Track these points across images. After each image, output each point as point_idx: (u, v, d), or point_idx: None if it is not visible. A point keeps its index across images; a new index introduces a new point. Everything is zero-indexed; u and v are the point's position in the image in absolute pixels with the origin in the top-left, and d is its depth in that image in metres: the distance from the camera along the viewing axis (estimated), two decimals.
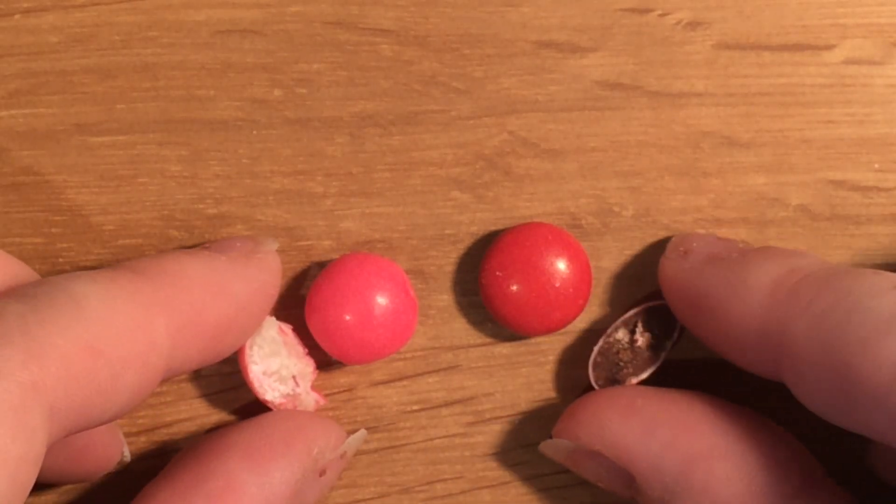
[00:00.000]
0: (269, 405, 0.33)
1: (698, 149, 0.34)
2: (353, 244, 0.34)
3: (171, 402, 0.34)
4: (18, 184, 0.34)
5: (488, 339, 0.34)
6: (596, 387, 0.33)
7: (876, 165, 0.34)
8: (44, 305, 0.26)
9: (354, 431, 0.33)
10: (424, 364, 0.34)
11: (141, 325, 0.27)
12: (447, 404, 0.34)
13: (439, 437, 0.34)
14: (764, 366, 0.30)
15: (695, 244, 0.33)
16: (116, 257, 0.34)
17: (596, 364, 0.33)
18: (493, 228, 0.34)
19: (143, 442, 0.34)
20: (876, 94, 0.34)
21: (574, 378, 0.34)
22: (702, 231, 0.34)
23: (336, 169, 0.34)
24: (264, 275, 0.31)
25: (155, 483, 0.31)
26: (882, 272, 0.29)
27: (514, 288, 0.33)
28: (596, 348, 0.33)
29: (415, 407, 0.34)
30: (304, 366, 0.33)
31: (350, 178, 0.34)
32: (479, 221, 0.34)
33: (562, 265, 0.33)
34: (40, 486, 0.34)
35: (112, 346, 0.26)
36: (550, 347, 0.34)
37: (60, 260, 0.34)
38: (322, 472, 0.32)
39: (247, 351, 0.32)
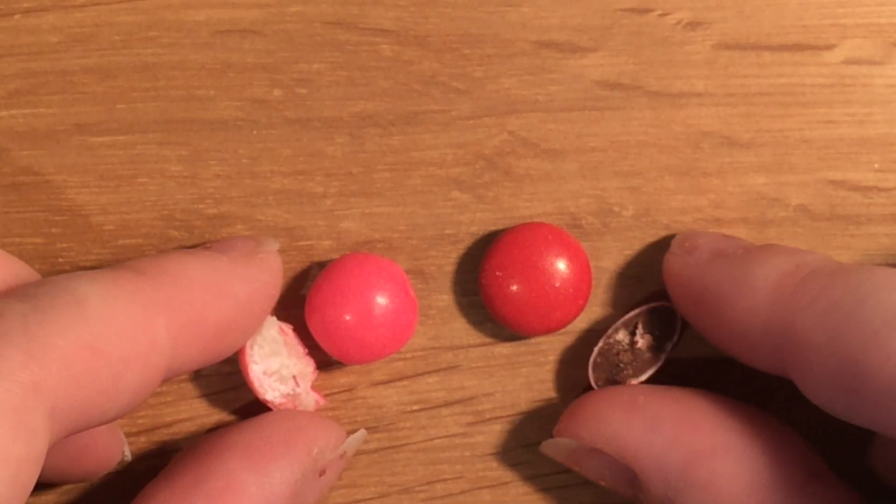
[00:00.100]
0: (270, 405, 0.33)
1: (698, 149, 0.34)
2: (353, 244, 0.34)
3: (171, 402, 0.34)
4: (18, 184, 0.34)
5: (488, 339, 0.34)
6: (596, 388, 0.33)
7: (876, 165, 0.34)
8: (45, 305, 0.26)
9: (354, 431, 0.33)
10: (424, 364, 0.34)
11: (142, 326, 0.27)
12: (447, 404, 0.34)
13: (439, 437, 0.34)
14: (769, 361, 0.30)
15: (700, 241, 0.33)
16: (116, 257, 0.34)
17: (596, 365, 0.33)
18: (493, 228, 0.34)
19: (143, 442, 0.34)
20: (876, 94, 0.34)
21: (574, 378, 0.34)
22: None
23: (336, 169, 0.34)
24: (265, 275, 0.31)
25: (155, 483, 0.31)
26: (890, 268, 0.29)
27: (514, 288, 0.33)
28: (596, 349, 0.33)
29: (415, 407, 0.34)
30: (304, 366, 0.33)
31: (350, 178, 0.34)
32: (479, 221, 0.34)
33: (562, 265, 0.33)
34: (40, 486, 0.34)
35: (113, 346, 0.26)
36: (550, 347, 0.34)
37: (60, 260, 0.34)
38: (322, 472, 0.32)
39: (247, 351, 0.32)
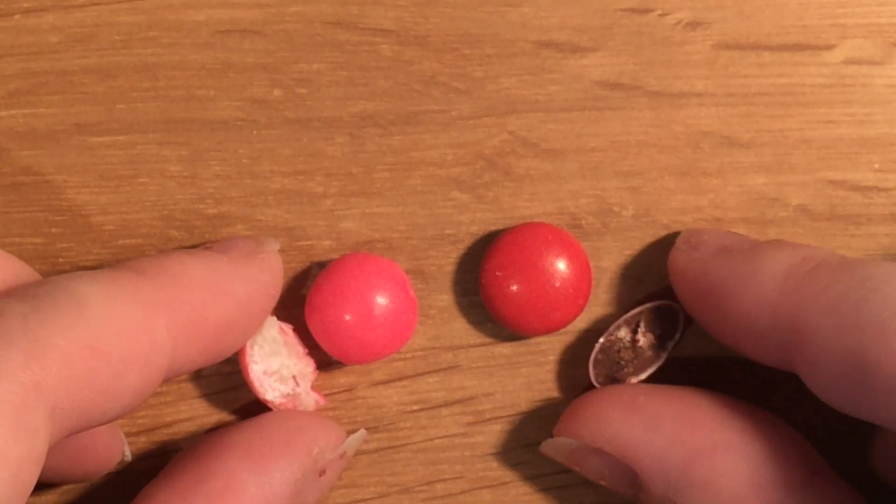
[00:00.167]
0: (270, 405, 0.33)
1: (698, 149, 0.34)
2: (353, 244, 0.34)
3: (171, 402, 0.34)
4: (18, 184, 0.34)
5: (488, 339, 0.34)
6: (596, 384, 0.33)
7: (876, 165, 0.34)
8: (45, 305, 0.26)
9: (354, 431, 0.33)
10: (424, 364, 0.34)
11: (142, 326, 0.27)
12: (447, 404, 0.34)
13: (439, 437, 0.34)
14: (775, 355, 0.30)
15: (705, 237, 0.33)
16: (116, 257, 0.34)
17: (597, 361, 0.33)
18: (493, 228, 0.34)
19: (143, 442, 0.34)
20: (876, 94, 0.34)
21: (574, 378, 0.34)
22: None
23: (336, 169, 0.34)
24: (265, 275, 0.31)
25: (155, 483, 0.31)
26: None
27: (514, 288, 0.33)
28: (597, 346, 0.33)
29: (415, 407, 0.34)
30: (304, 366, 0.33)
31: (350, 178, 0.34)
32: (479, 221, 0.34)
33: (562, 265, 0.33)
34: (40, 486, 0.34)
35: (113, 346, 0.26)
36: (550, 347, 0.34)
37: (60, 260, 0.34)
38: (322, 472, 0.32)
39: (247, 350, 0.32)
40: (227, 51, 0.34)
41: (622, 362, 0.33)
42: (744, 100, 0.34)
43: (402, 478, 0.34)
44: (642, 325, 0.33)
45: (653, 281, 0.34)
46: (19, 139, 0.34)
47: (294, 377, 0.33)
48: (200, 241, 0.34)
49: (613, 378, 0.33)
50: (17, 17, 0.34)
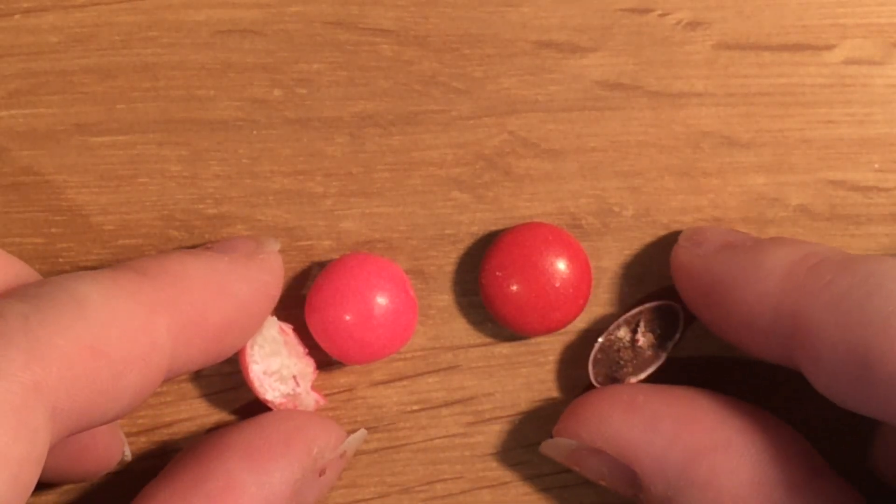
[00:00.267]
0: (270, 405, 0.33)
1: (698, 149, 0.34)
2: (353, 244, 0.34)
3: (171, 402, 0.34)
4: (18, 184, 0.34)
5: (488, 339, 0.34)
6: (595, 384, 0.33)
7: (876, 165, 0.34)
8: (46, 306, 0.26)
9: (354, 431, 0.33)
10: (424, 364, 0.34)
11: (143, 326, 0.27)
12: (447, 404, 0.34)
13: (439, 437, 0.34)
14: (777, 351, 0.30)
15: (708, 234, 0.33)
16: (116, 257, 0.34)
17: (596, 361, 0.33)
18: (493, 228, 0.34)
19: (143, 442, 0.34)
20: (876, 94, 0.34)
21: (574, 378, 0.34)
22: None
23: (336, 169, 0.34)
24: (266, 275, 0.31)
25: (155, 483, 0.31)
26: None
27: (514, 288, 0.33)
28: (597, 345, 0.33)
29: (415, 407, 0.34)
30: (304, 366, 0.33)
31: (350, 178, 0.34)
32: (479, 221, 0.34)
33: (562, 265, 0.33)
34: (40, 486, 0.34)
35: (114, 346, 0.26)
36: (550, 347, 0.34)
37: (60, 260, 0.34)
38: (322, 472, 0.32)
39: (247, 350, 0.32)
40: (227, 51, 0.34)
41: (621, 362, 0.33)
42: (744, 100, 0.34)
43: (402, 478, 0.34)
44: (642, 324, 0.33)
45: (653, 281, 0.34)
46: (19, 139, 0.34)
47: (294, 377, 0.33)
48: (200, 241, 0.34)
49: (613, 378, 0.33)
50: (17, 17, 0.34)
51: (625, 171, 0.34)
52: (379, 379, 0.34)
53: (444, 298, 0.34)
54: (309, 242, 0.34)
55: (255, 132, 0.34)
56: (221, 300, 0.30)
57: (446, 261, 0.34)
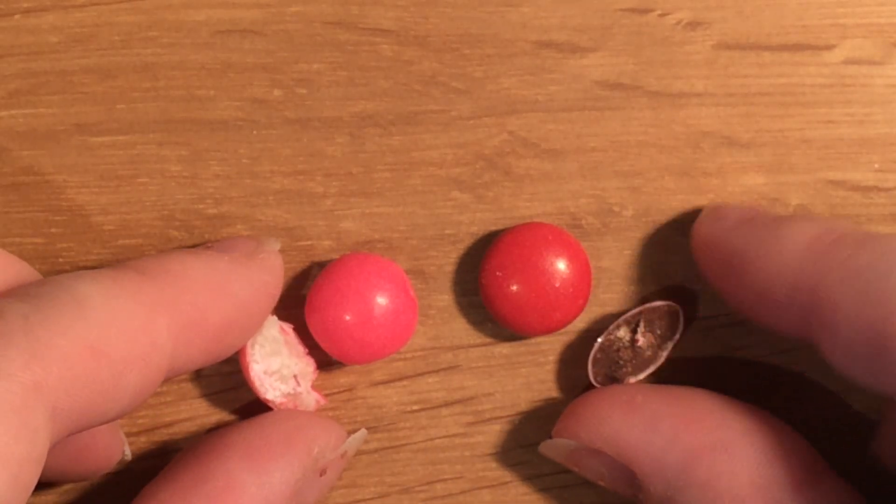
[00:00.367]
0: (270, 404, 0.33)
1: (698, 149, 0.34)
2: (353, 244, 0.34)
3: (171, 402, 0.34)
4: (18, 184, 0.34)
5: (488, 339, 0.34)
6: (595, 383, 0.33)
7: (876, 165, 0.34)
8: (46, 305, 0.26)
9: (355, 431, 0.33)
10: (424, 364, 0.34)
11: (143, 326, 0.27)
12: (447, 404, 0.34)
13: (439, 437, 0.34)
14: (793, 323, 0.30)
15: (730, 209, 0.33)
16: (116, 257, 0.34)
17: (596, 360, 0.33)
18: (493, 228, 0.34)
19: (143, 442, 0.34)
20: (876, 94, 0.34)
21: (574, 378, 0.34)
22: None
23: (336, 169, 0.34)
24: (266, 275, 0.31)
25: (155, 483, 0.31)
26: None
27: (514, 288, 0.33)
28: (596, 345, 0.33)
29: (415, 407, 0.34)
30: (304, 365, 0.33)
31: (350, 178, 0.34)
32: (479, 221, 0.34)
33: (562, 265, 0.33)
34: (40, 486, 0.34)
35: (114, 346, 0.26)
36: (550, 347, 0.34)
37: (60, 260, 0.34)
38: (322, 472, 0.32)
39: (248, 350, 0.32)
40: (227, 51, 0.34)
41: (621, 362, 0.33)
42: (744, 100, 0.34)
43: (402, 478, 0.34)
44: (642, 325, 0.33)
45: (653, 281, 0.34)
46: (19, 139, 0.34)
47: (295, 376, 0.33)
48: (200, 241, 0.34)
49: (612, 377, 0.33)
50: (17, 17, 0.34)
51: (625, 171, 0.34)
52: (379, 379, 0.34)
53: (444, 298, 0.34)
54: (309, 242, 0.34)
55: (255, 132, 0.34)
56: (222, 300, 0.30)
57: (446, 261, 0.34)
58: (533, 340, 0.34)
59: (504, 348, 0.34)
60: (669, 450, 0.31)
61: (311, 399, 0.33)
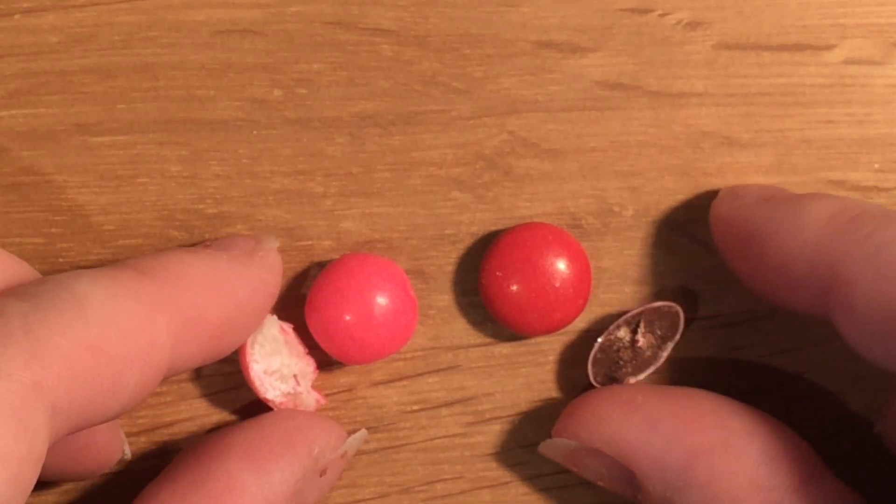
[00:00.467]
0: (270, 404, 0.33)
1: (698, 149, 0.34)
2: (353, 244, 0.34)
3: (171, 402, 0.34)
4: (18, 184, 0.34)
5: (488, 339, 0.34)
6: (594, 383, 0.33)
7: (876, 165, 0.34)
8: (46, 304, 0.26)
9: (355, 431, 0.33)
10: (424, 364, 0.34)
11: (143, 325, 0.27)
12: (447, 404, 0.34)
13: (439, 437, 0.34)
14: (811, 301, 0.30)
15: (749, 188, 0.33)
16: (116, 257, 0.34)
17: (595, 360, 0.33)
18: (493, 228, 0.34)
19: (143, 442, 0.34)
20: (876, 94, 0.34)
21: (574, 378, 0.34)
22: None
23: (336, 169, 0.34)
24: (265, 273, 0.31)
25: (155, 483, 0.31)
26: None
27: (514, 288, 0.33)
28: (596, 345, 0.33)
29: (415, 407, 0.34)
30: (304, 365, 0.33)
31: (350, 178, 0.34)
32: (479, 221, 0.34)
33: (562, 265, 0.33)
34: (40, 485, 0.34)
35: (114, 345, 0.26)
36: (550, 347, 0.34)
37: (60, 260, 0.34)
38: (322, 472, 0.32)
39: (248, 349, 0.32)
40: (227, 51, 0.34)
41: (621, 362, 0.33)
42: (744, 100, 0.34)
43: (402, 478, 0.34)
44: (642, 325, 0.33)
45: (653, 281, 0.34)
46: (19, 139, 0.34)
47: (295, 376, 0.33)
48: (200, 241, 0.34)
49: (612, 377, 0.33)
50: (17, 17, 0.34)
51: (625, 171, 0.34)
52: (379, 379, 0.34)
53: (444, 298, 0.34)
54: (309, 242, 0.34)
55: (255, 132, 0.34)
56: (221, 298, 0.30)
57: (446, 261, 0.34)
58: (533, 340, 0.34)
59: (504, 348, 0.34)
60: (669, 450, 0.31)
61: (311, 399, 0.33)
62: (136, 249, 0.34)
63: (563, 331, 0.34)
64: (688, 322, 0.34)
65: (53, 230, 0.34)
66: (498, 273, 0.33)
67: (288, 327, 0.33)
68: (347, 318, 0.32)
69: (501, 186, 0.34)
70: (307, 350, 0.34)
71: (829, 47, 0.34)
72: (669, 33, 0.34)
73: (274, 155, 0.34)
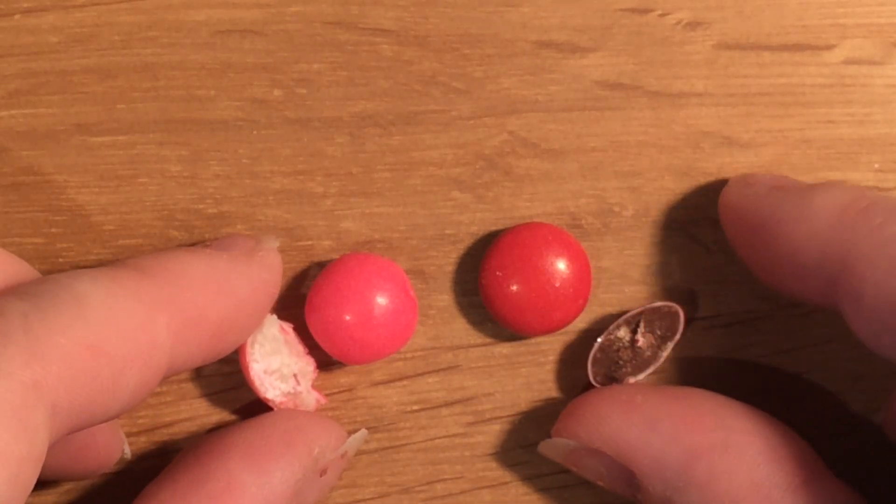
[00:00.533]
0: (270, 403, 0.33)
1: (698, 149, 0.34)
2: (353, 244, 0.34)
3: (171, 402, 0.34)
4: (18, 184, 0.34)
5: (488, 339, 0.34)
6: (594, 383, 0.33)
7: (876, 165, 0.34)
8: (46, 304, 0.26)
9: (355, 431, 0.33)
10: (424, 364, 0.34)
11: (143, 324, 0.27)
12: (447, 404, 0.34)
13: (439, 437, 0.34)
14: (819, 291, 0.30)
15: (759, 177, 0.33)
16: (116, 257, 0.34)
17: (595, 360, 0.33)
18: (493, 228, 0.34)
19: (143, 442, 0.34)
20: (876, 94, 0.34)
21: (574, 378, 0.34)
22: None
23: (336, 169, 0.34)
24: (265, 273, 0.31)
25: (156, 483, 0.31)
26: None
27: (514, 288, 0.33)
28: (596, 344, 0.33)
29: (415, 407, 0.34)
30: (304, 364, 0.33)
31: (350, 178, 0.34)
32: (479, 221, 0.34)
33: (562, 265, 0.33)
34: (40, 485, 0.34)
35: (114, 344, 0.26)
36: (550, 347, 0.34)
37: (60, 260, 0.34)
38: (323, 472, 0.32)
39: (248, 349, 0.32)
40: (227, 51, 0.34)
41: (620, 362, 0.33)
42: (744, 100, 0.34)
43: (402, 478, 0.34)
44: (642, 325, 0.33)
45: (653, 281, 0.34)
46: (19, 139, 0.34)
47: (295, 375, 0.33)
48: (200, 241, 0.34)
49: (611, 377, 0.33)
50: (17, 17, 0.34)
51: (625, 171, 0.34)
52: (379, 379, 0.34)
53: (444, 298, 0.34)
54: (309, 242, 0.34)
55: (255, 132, 0.34)
56: (221, 298, 0.30)
57: (446, 261, 0.34)
58: (533, 340, 0.34)
59: (504, 348, 0.34)
60: (669, 450, 0.31)
61: (311, 398, 0.33)
62: (136, 249, 0.34)
63: (563, 331, 0.34)
64: (688, 322, 0.34)
65: (53, 230, 0.34)
66: (498, 273, 0.33)
67: (288, 327, 0.33)
68: (347, 318, 0.32)
69: (501, 186, 0.34)
70: (307, 350, 0.34)
71: (829, 47, 0.34)
72: (669, 33, 0.34)
73: (274, 155, 0.34)
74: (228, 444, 0.31)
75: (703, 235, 0.34)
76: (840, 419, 0.34)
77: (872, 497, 0.31)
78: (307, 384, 0.33)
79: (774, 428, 0.31)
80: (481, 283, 0.33)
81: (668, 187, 0.34)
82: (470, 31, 0.34)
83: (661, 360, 0.34)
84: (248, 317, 0.31)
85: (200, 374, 0.34)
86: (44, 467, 0.25)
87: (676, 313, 0.33)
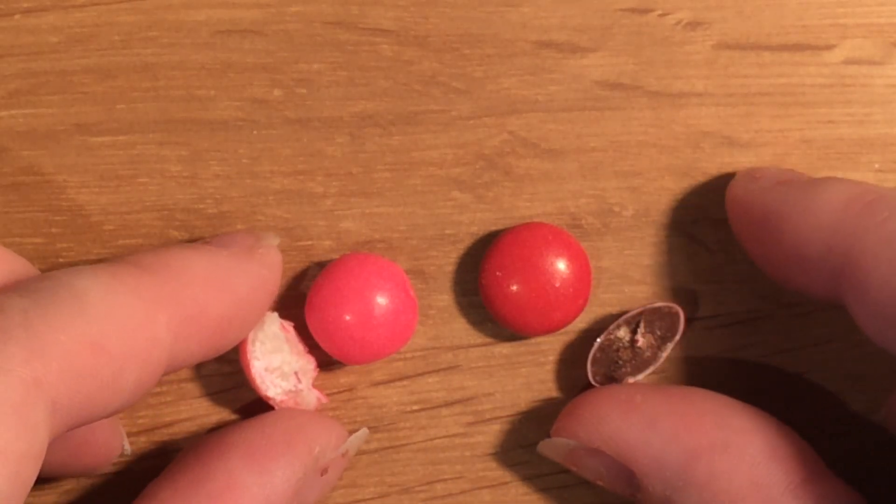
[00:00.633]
0: (271, 402, 0.33)
1: (698, 149, 0.34)
2: (353, 244, 0.34)
3: (172, 402, 0.34)
4: (18, 184, 0.34)
5: (488, 339, 0.34)
6: (594, 383, 0.33)
7: (876, 165, 0.34)
8: (46, 301, 0.26)
9: (355, 431, 0.33)
10: (424, 364, 0.34)
11: (143, 321, 0.27)
12: (447, 404, 0.34)
13: (439, 437, 0.34)
14: (824, 285, 0.30)
15: (766, 171, 0.33)
16: (116, 257, 0.34)
17: (595, 360, 0.33)
18: (493, 228, 0.34)
19: (143, 442, 0.34)
20: (876, 94, 0.34)
21: (574, 378, 0.34)
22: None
23: (336, 169, 0.34)
24: (265, 270, 0.31)
25: (156, 483, 0.31)
26: None
27: (514, 288, 0.33)
28: (596, 344, 0.33)
29: (415, 407, 0.34)
30: (305, 363, 0.33)
31: (350, 178, 0.34)
32: (479, 221, 0.34)
33: (562, 265, 0.33)
34: (40, 482, 0.34)
35: (114, 341, 0.26)
36: (550, 347, 0.34)
37: (60, 260, 0.34)
38: (323, 472, 0.32)
39: (249, 347, 0.32)
40: (227, 51, 0.34)
41: (620, 362, 0.33)
42: (744, 100, 0.34)
43: (402, 478, 0.34)
44: (642, 325, 0.33)
45: (653, 281, 0.34)
46: (19, 139, 0.34)
47: (296, 373, 0.33)
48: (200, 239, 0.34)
49: (611, 377, 0.33)
50: (17, 17, 0.34)
51: (625, 171, 0.34)
52: (379, 379, 0.34)
53: (444, 298, 0.34)
54: (309, 242, 0.34)
55: (255, 132, 0.34)
56: (221, 295, 0.30)
57: (446, 261, 0.34)
58: (533, 340, 0.34)
59: (504, 348, 0.34)
60: (668, 449, 0.31)
61: (312, 397, 0.33)
62: (136, 249, 0.34)
63: (563, 331, 0.34)
64: (688, 322, 0.34)
65: (53, 230, 0.34)
66: (498, 273, 0.33)
67: (289, 325, 0.33)
68: (347, 318, 0.32)
69: (501, 186, 0.34)
70: (308, 349, 0.34)
71: (829, 47, 0.34)
72: (669, 33, 0.34)
73: (274, 155, 0.34)
74: (229, 444, 0.31)
75: (704, 235, 0.34)
76: (840, 419, 0.34)
77: (872, 497, 0.31)
78: (308, 382, 0.33)
79: (774, 428, 0.31)
80: (481, 283, 0.33)
81: (669, 187, 0.34)
82: (470, 31, 0.34)
83: (661, 360, 0.34)
84: (248, 314, 0.31)
85: (200, 374, 0.34)
86: (44, 464, 0.25)
87: (676, 314, 0.33)
